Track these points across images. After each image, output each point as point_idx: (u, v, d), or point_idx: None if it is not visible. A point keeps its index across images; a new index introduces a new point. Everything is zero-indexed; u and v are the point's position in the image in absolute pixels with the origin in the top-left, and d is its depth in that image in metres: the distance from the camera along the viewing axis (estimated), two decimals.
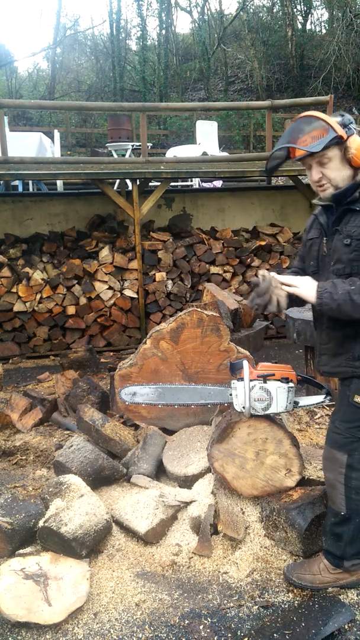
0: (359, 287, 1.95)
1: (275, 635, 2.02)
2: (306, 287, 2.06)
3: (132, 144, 8.78)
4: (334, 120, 1.96)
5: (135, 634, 2.08)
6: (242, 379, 2.44)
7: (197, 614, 2.17)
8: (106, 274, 6.44)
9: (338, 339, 2.14)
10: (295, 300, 2.19)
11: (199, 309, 3.56)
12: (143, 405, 3.11)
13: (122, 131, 8.80)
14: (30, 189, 8.55)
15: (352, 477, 2.14)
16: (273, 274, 2.14)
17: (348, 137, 1.97)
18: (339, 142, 1.96)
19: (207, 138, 9.91)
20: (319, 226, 2.22)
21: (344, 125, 1.97)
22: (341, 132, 1.94)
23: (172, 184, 8.51)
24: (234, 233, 7.13)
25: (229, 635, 2.07)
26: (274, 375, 2.45)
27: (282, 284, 2.11)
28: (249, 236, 7.26)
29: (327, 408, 4.10)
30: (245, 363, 2.46)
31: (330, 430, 2.22)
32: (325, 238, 2.16)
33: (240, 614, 2.17)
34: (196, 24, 25.32)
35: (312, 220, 2.31)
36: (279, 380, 2.44)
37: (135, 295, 6.52)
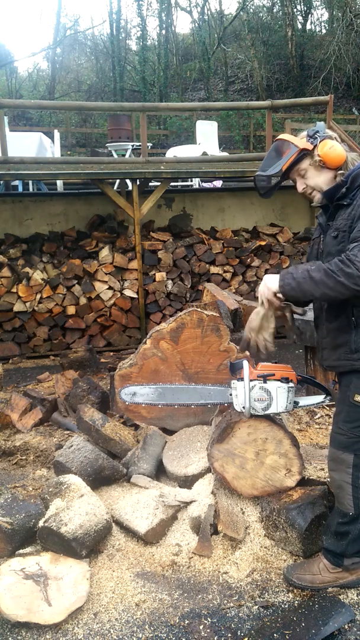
0: (318, 265, 2.01)
1: (275, 635, 2.02)
2: (269, 279, 2.16)
3: (132, 144, 8.78)
4: (297, 137, 2.17)
5: (135, 634, 2.08)
6: (242, 379, 2.44)
7: (197, 614, 2.17)
8: (106, 274, 6.44)
9: (333, 331, 2.18)
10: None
11: (199, 309, 3.56)
12: (143, 405, 3.11)
13: (122, 131, 8.79)
14: (30, 189, 8.54)
15: (359, 477, 2.15)
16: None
17: (315, 146, 2.12)
18: (307, 153, 2.13)
19: (207, 138, 9.90)
20: (319, 226, 2.32)
21: (309, 137, 2.14)
22: (304, 144, 2.12)
23: (172, 184, 8.50)
24: (234, 233, 7.13)
25: (229, 635, 2.07)
26: (274, 375, 2.45)
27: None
28: (249, 236, 7.26)
29: (327, 408, 4.10)
30: (245, 363, 2.46)
31: (334, 431, 2.22)
32: (322, 236, 2.25)
33: (240, 614, 2.17)
34: (196, 24, 25.35)
35: (317, 220, 2.43)
36: (279, 380, 2.44)
37: (135, 295, 6.52)
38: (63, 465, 2.94)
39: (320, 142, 2.11)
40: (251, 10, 24.36)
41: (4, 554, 2.44)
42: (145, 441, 3.16)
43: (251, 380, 2.43)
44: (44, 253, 6.47)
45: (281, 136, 2.21)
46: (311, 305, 2.39)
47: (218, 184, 9.59)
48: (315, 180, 2.17)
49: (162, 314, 6.66)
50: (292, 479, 2.60)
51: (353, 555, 2.24)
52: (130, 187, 7.26)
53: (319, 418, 3.99)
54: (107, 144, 9.13)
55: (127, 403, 2.99)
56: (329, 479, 2.74)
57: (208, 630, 2.09)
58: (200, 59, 23.67)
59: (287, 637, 2.01)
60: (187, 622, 2.13)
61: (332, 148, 2.10)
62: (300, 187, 2.22)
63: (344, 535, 2.21)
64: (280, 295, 2.14)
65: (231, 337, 3.57)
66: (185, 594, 2.29)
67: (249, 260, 7.00)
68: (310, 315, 3.05)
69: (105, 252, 6.45)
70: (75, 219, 6.93)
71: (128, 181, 7.51)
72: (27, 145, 8.29)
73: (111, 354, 6.28)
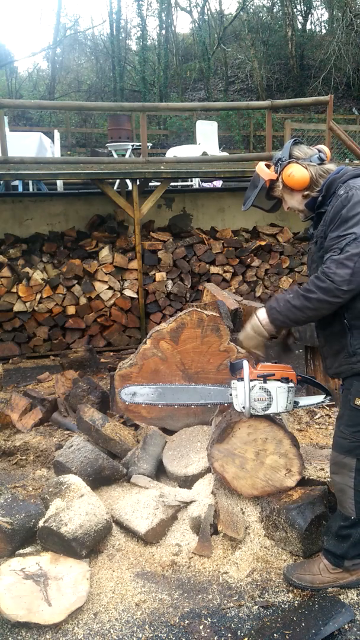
0: (295, 291, 2.08)
1: (275, 635, 2.02)
2: (256, 326, 2.24)
3: (132, 144, 8.78)
4: (265, 169, 2.26)
5: (135, 634, 2.08)
6: (242, 379, 2.44)
7: (197, 614, 2.17)
8: (106, 274, 6.44)
9: (330, 338, 2.19)
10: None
11: (199, 309, 3.56)
12: (143, 405, 3.11)
13: (122, 131, 8.79)
14: (30, 189, 8.54)
15: None
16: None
17: (280, 173, 2.20)
18: (273, 181, 2.23)
19: (207, 138, 9.90)
20: (310, 237, 2.37)
21: (275, 164, 2.23)
22: (269, 175, 2.23)
23: (172, 184, 8.50)
24: (234, 233, 7.13)
25: (229, 635, 2.07)
26: (274, 375, 2.45)
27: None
28: (249, 236, 7.26)
29: (327, 408, 4.10)
30: (245, 363, 2.46)
31: (336, 435, 2.22)
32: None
33: (240, 614, 2.17)
34: (196, 24, 25.33)
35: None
36: (279, 380, 2.44)
37: (135, 295, 6.52)
38: (63, 465, 2.94)
39: (283, 168, 2.18)
40: (251, 10, 24.35)
41: (4, 554, 2.44)
42: (145, 441, 3.16)
43: (251, 380, 2.43)
44: (44, 253, 6.46)
45: (256, 167, 2.31)
46: None
47: (218, 184, 9.59)
48: (291, 202, 2.27)
49: (162, 314, 6.66)
50: (292, 479, 2.60)
51: (354, 557, 2.24)
52: (130, 187, 7.26)
53: (319, 418, 3.99)
54: (107, 144, 9.13)
55: (127, 403, 2.99)
56: (329, 480, 2.74)
57: (208, 630, 2.09)
58: (200, 59, 23.66)
59: (287, 637, 2.00)
60: (187, 622, 2.13)
61: (292, 174, 2.16)
62: (285, 207, 2.34)
63: (345, 538, 2.21)
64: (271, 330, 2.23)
65: (231, 337, 3.57)
66: (185, 594, 2.29)
67: (249, 260, 7.00)
68: None
69: (105, 252, 6.45)
70: (75, 219, 6.93)
71: (128, 181, 7.51)
72: (27, 145, 8.29)
73: (111, 354, 6.28)
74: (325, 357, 2.28)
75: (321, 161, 2.18)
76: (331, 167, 2.19)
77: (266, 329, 2.21)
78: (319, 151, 2.22)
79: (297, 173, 2.15)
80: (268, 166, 2.28)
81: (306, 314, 2.06)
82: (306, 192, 2.19)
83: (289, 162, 2.17)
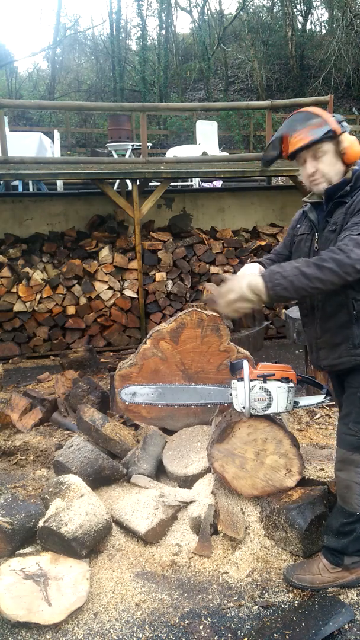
0: (304, 260, 1.95)
1: (275, 635, 2.02)
2: (246, 285, 1.94)
3: (132, 144, 8.78)
4: (329, 115, 2.05)
5: (135, 634, 2.08)
6: (242, 379, 2.44)
7: (197, 614, 2.17)
8: (106, 274, 6.44)
9: (333, 329, 2.15)
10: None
11: (199, 309, 3.56)
12: (143, 405, 3.11)
13: (122, 131, 8.80)
14: (30, 189, 8.54)
15: None
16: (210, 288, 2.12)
17: (342, 132, 2.04)
18: (333, 136, 2.03)
19: (207, 138, 9.90)
20: (308, 222, 2.27)
21: (338, 122, 2.05)
22: (336, 126, 2.03)
23: (172, 184, 8.51)
24: (234, 233, 7.12)
25: (229, 635, 2.07)
26: (274, 375, 2.45)
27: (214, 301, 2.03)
28: (249, 236, 7.26)
29: (327, 408, 4.10)
30: (245, 363, 2.46)
31: (342, 432, 2.20)
32: (317, 234, 2.21)
33: (240, 614, 2.17)
34: (196, 24, 25.35)
35: (300, 215, 2.38)
36: (279, 380, 2.44)
37: (135, 295, 6.52)
38: (63, 465, 2.94)
39: (345, 132, 2.05)
40: (251, 10, 24.37)
41: (4, 554, 2.44)
42: (145, 441, 3.16)
43: (251, 380, 2.43)
44: (44, 253, 6.46)
45: (311, 109, 2.07)
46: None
47: (218, 184, 9.59)
48: (329, 169, 2.07)
49: (162, 314, 6.65)
50: (292, 479, 2.60)
51: (353, 553, 2.23)
52: (130, 187, 7.26)
53: (319, 418, 3.99)
54: (107, 144, 9.14)
55: (127, 403, 2.99)
56: (329, 480, 2.74)
57: (208, 630, 2.09)
58: (200, 59, 23.68)
59: (287, 637, 2.00)
60: (187, 622, 2.13)
61: (355, 143, 2.05)
62: (310, 169, 2.08)
63: (347, 533, 2.21)
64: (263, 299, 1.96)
65: (231, 337, 3.57)
66: (185, 594, 2.29)
67: (249, 260, 6.98)
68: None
69: (105, 252, 6.45)
70: (75, 219, 6.93)
71: (128, 181, 7.51)
72: (27, 145, 8.29)
73: (111, 354, 6.28)
74: (319, 348, 2.23)
75: None
76: None
77: (268, 294, 1.93)
78: None
79: (357, 145, 2.05)
80: None
81: (313, 284, 1.90)
82: (352, 167, 2.08)
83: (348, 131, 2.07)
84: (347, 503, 2.20)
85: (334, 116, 2.07)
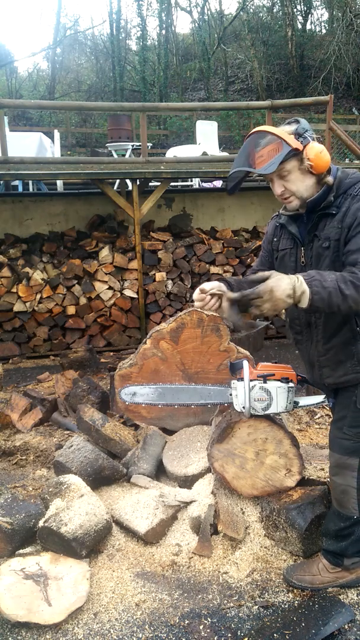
0: (343, 277, 1.83)
1: (275, 635, 2.02)
2: (295, 284, 1.82)
3: (132, 144, 8.77)
4: (287, 133, 1.93)
5: (135, 634, 2.08)
6: (242, 379, 2.44)
7: (197, 614, 2.17)
8: (106, 274, 6.44)
9: (336, 346, 2.09)
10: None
11: (199, 309, 3.55)
12: (143, 405, 3.11)
13: (122, 131, 8.79)
14: (30, 189, 8.54)
15: None
16: (226, 292, 1.99)
17: (304, 146, 1.93)
18: (295, 154, 1.92)
19: (207, 138, 9.89)
20: (289, 236, 2.18)
21: (299, 135, 1.94)
22: (295, 144, 1.91)
23: (172, 184, 8.50)
24: (234, 233, 7.13)
25: (229, 635, 2.07)
26: (274, 375, 2.45)
27: (245, 297, 1.91)
28: (249, 236, 7.26)
29: (327, 408, 4.10)
30: (245, 363, 2.45)
31: (337, 437, 2.18)
32: (302, 247, 2.12)
33: (240, 614, 2.17)
34: (196, 24, 25.35)
35: (275, 228, 2.27)
36: (279, 380, 2.44)
37: (135, 295, 6.52)
38: (63, 465, 2.94)
39: (307, 144, 1.94)
40: (251, 10, 24.36)
41: (4, 554, 2.44)
42: (145, 441, 3.16)
43: (251, 380, 2.43)
44: (44, 253, 6.46)
45: (265, 128, 1.95)
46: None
47: (218, 184, 9.59)
48: (298, 185, 1.99)
49: (162, 314, 6.66)
50: (292, 479, 2.60)
51: (353, 555, 2.23)
52: (130, 187, 7.26)
53: (319, 418, 3.99)
54: (107, 144, 9.13)
55: (127, 403, 2.99)
56: (329, 480, 2.74)
57: (208, 630, 2.09)
58: (200, 59, 23.67)
59: (287, 637, 2.00)
60: (187, 622, 2.13)
61: (322, 153, 1.93)
62: (278, 189, 2.02)
63: (346, 537, 2.21)
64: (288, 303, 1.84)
65: (231, 337, 3.57)
66: (185, 594, 2.29)
67: (249, 260, 7.00)
68: None
69: (105, 252, 6.45)
70: (75, 219, 6.93)
71: (128, 181, 7.51)
72: (27, 145, 8.28)
73: (111, 354, 6.28)
74: (321, 366, 2.17)
75: None
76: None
77: (308, 299, 1.82)
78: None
79: (326, 154, 1.93)
80: None
81: (347, 302, 1.80)
82: (324, 179, 1.97)
83: (313, 139, 1.95)
84: (344, 507, 2.19)
85: (298, 123, 1.96)
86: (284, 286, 1.81)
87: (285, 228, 2.19)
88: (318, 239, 2.05)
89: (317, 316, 2.11)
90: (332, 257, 2.00)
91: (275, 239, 2.27)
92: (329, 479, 2.76)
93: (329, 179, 1.99)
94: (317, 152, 1.93)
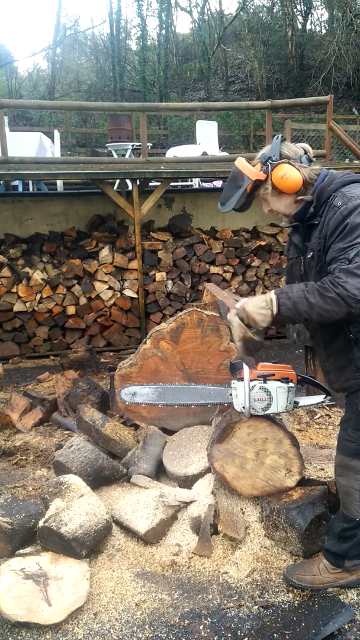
0: (312, 287, 1.95)
1: (275, 635, 2.02)
2: (267, 297, 2.04)
3: (132, 144, 8.78)
4: (253, 164, 2.08)
5: (135, 634, 2.08)
6: (242, 379, 2.44)
7: (197, 614, 2.17)
8: (106, 274, 6.44)
9: (335, 352, 2.14)
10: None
11: (199, 309, 3.56)
12: (143, 405, 3.11)
13: (122, 131, 8.79)
14: (30, 189, 8.54)
15: None
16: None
17: (267, 175, 2.05)
18: (261, 182, 2.07)
19: (207, 138, 9.90)
20: (294, 246, 2.27)
21: (262, 164, 2.06)
22: (256, 175, 2.06)
23: (172, 184, 8.50)
24: (234, 233, 7.13)
25: (229, 635, 2.07)
26: (274, 375, 2.45)
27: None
28: (249, 236, 7.26)
29: (327, 408, 4.11)
30: (245, 363, 2.46)
31: (342, 438, 2.21)
32: (302, 257, 2.21)
33: (240, 614, 2.17)
34: (196, 24, 25.33)
35: (289, 237, 2.37)
36: (279, 380, 2.44)
37: (135, 295, 6.52)
38: (63, 465, 2.94)
39: (273, 169, 2.04)
40: (251, 10, 24.36)
41: (4, 554, 2.44)
42: (145, 441, 3.16)
43: (251, 380, 2.43)
44: (44, 253, 6.47)
45: (237, 163, 2.11)
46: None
47: (218, 184, 9.59)
48: (276, 206, 2.14)
49: (162, 314, 6.66)
50: (292, 479, 2.60)
51: (354, 557, 2.23)
52: (130, 187, 7.26)
53: (319, 418, 3.99)
54: (107, 144, 9.13)
55: (127, 403, 2.99)
56: (329, 480, 2.74)
57: (208, 630, 2.09)
58: (200, 59, 23.67)
59: (287, 637, 2.01)
60: (187, 622, 2.13)
61: (285, 176, 2.02)
62: (265, 209, 2.20)
63: (348, 538, 2.21)
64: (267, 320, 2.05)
65: (231, 337, 3.57)
66: (185, 594, 2.29)
67: (249, 260, 7.00)
68: None
69: (105, 252, 6.45)
70: (75, 219, 6.93)
71: (128, 181, 7.51)
72: (27, 145, 8.29)
73: (111, 354, 6.28)
74: (328, 371, 2.22)
75: (309, 162, 2.10)
76: (318, 167, 2.11)
77: (277, 311, 2.01)
78: (305, 151, 2.12)
79: (291, 175, 2.03)
80: (249, 163, 2.11)
81: (315, 311, 1.92)
82: (299, 197, 2.07)
83: (279, 163, 2.04)
84: (347, 509, 2.20)
85: (271, 146, 2.07)
86: (256, 301, 2.06)
87: (290, 238, 2.29)
88: (307, 249, 2.13)
89: (317, 324, 2.15)
90: (317, 267, 2.07)
91: (288, 249, 2.38)
92: (329, 479, 2.76)
93: (307, 197, 2.07)
94: (280, 177, 2.04)
